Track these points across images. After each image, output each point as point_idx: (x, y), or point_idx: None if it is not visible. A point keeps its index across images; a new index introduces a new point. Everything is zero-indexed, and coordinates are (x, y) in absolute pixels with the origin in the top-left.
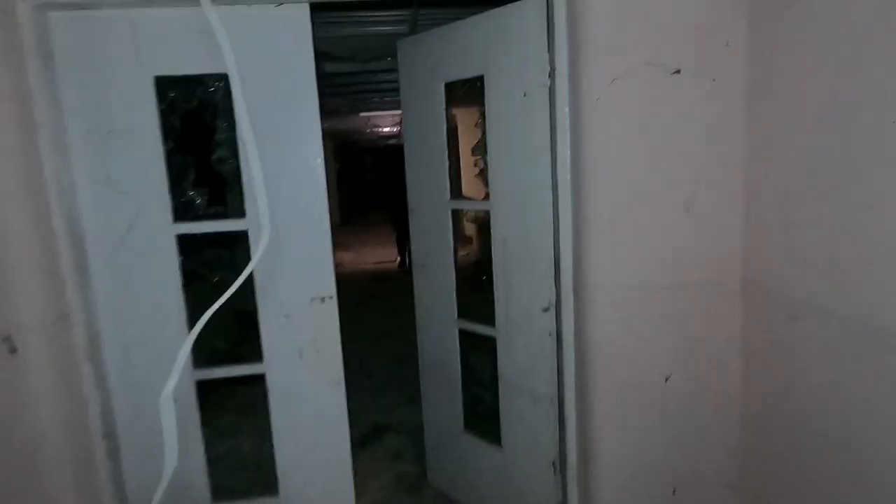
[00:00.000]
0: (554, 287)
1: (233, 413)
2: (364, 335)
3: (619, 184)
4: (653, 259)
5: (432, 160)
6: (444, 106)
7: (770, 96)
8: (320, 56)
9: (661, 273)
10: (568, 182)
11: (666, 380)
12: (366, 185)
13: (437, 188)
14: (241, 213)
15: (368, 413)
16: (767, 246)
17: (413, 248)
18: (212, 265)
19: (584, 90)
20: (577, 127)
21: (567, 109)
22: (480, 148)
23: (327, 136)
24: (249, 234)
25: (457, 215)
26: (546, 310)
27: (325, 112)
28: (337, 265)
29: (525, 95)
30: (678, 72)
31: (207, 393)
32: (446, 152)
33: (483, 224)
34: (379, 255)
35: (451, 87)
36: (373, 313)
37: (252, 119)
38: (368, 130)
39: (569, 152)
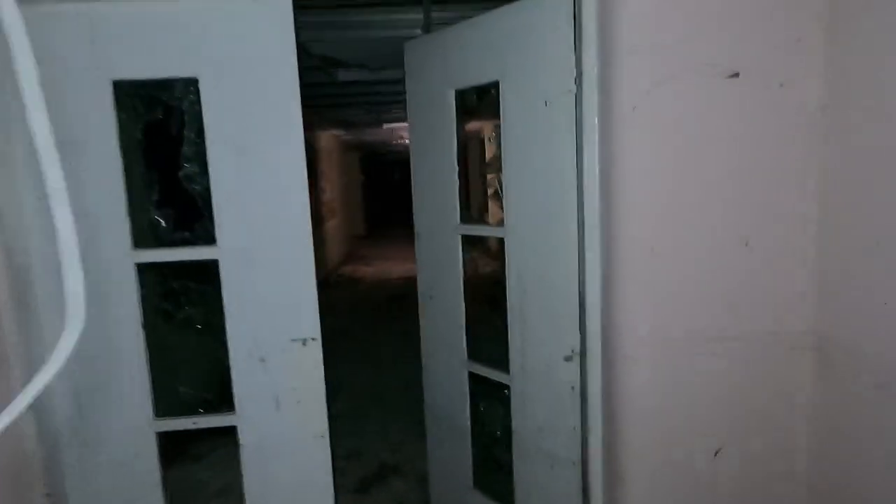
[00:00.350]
0: (578, 333)
1: (212, 464)
2: (378, 358)
3: (660, 211)
4: (701, 304)
5: (441, 178)
6: (454, 116)
7: (852, 105)
8: (332, 63)
9: (712, 322)
10: (596, 207)
11: (715, 454)
12: (392, 198)
13: (445, 210)
14: (210, 239)
15: (375, 449)
16: (849, 293)
17: (419, 277)
18: (178, 299)
19: (617, 98)
20: (607, 142)
21: (596, 121)
22: (495, 166)
23: (352, 147)
24: (220, 263)
25: (470, 241)
26: (568, 359)
27: (347, 124)
28: (357, 280)
29: (547, 104)
30: (736, 75)
31: (189, 439)
32: (457, 170)
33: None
34: (400, 270)
35: (463, 96)
36: (388, 333)
37: (223, 128)
38: (395, 142)
39: (598, 171)
